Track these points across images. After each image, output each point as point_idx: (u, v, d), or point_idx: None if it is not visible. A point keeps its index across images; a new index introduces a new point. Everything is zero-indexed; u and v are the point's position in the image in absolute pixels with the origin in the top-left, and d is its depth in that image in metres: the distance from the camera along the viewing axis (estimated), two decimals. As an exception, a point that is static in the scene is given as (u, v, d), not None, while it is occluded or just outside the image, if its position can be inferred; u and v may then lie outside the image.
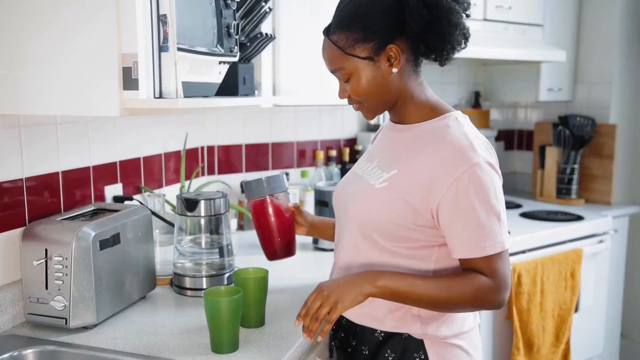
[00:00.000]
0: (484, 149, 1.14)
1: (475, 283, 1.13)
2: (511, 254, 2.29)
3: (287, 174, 2.39)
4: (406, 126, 1.24)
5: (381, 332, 1.22)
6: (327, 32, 1.22)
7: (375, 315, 1.21)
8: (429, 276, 1.17)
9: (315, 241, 2.03)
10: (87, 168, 1.59)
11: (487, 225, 1.11)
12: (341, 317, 1.28)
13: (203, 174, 2.32)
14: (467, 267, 1.15)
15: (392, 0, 1.16)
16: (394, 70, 1.18)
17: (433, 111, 1.22)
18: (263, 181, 1.40)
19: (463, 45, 1.21)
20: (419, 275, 1.16)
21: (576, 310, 2.50)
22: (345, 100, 1.26)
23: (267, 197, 1.40)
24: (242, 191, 1.89)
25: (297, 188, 2.37)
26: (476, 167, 1.10)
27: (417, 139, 1.20)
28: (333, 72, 1.23)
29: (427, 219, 1.15)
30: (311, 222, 1.48)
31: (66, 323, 1.28)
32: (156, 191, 1.91)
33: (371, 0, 1.17)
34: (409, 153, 1.19)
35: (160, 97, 1.21)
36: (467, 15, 1.20)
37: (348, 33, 1.17)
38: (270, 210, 1.40)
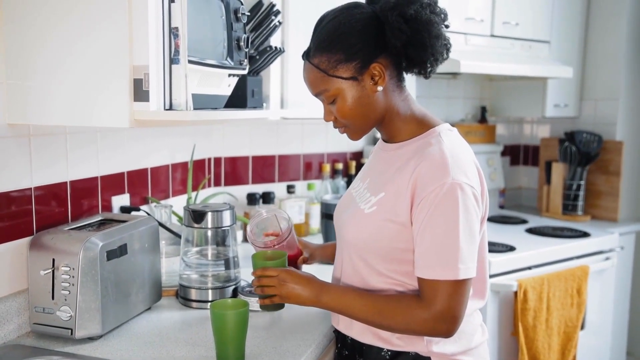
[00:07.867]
0: (456, 169, 1.11)
1: (407, 310, 1.11)
2: (517, 270, 2.28)
3: (292, 187, 2.39)
4: (394, 145, 1.23)
5: (388, 350, 1.21)
6: (307, 55, 1.19)
7: (381, 335, 1.20)
8: (370, 296, 1.16)
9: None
10: (95, 178, 1.60)
11: (444, 248, 1.09)
12: (346, 335, 1.28)
13: (210, 185, 2.32)
14: (420, 288, 1.13)
15: (370, 19, 1.15)
16: (379, 88, 1.17)
17: (420, 126, 1.21)
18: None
19: (445, 56, 1.20)
20: (361, 295, 1.17)
21: (582, 327, 2.47)
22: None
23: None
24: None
25: (303, 201, 2.37)
26: (443, 187, 1.08)
27: (402, 159, 1.19)
28: (317, 95, 1.21)
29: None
30: (315, 253, 1.48)
31: (72, 333, 1.28)
32: (163, 202, 1.92)
33: (349, 20, 1.15)
34: (394, 174, 1.18)
35: (170, 109, 1.22)
36: (446, 26, 1.19)
37: (329, 54, 1.15)
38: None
